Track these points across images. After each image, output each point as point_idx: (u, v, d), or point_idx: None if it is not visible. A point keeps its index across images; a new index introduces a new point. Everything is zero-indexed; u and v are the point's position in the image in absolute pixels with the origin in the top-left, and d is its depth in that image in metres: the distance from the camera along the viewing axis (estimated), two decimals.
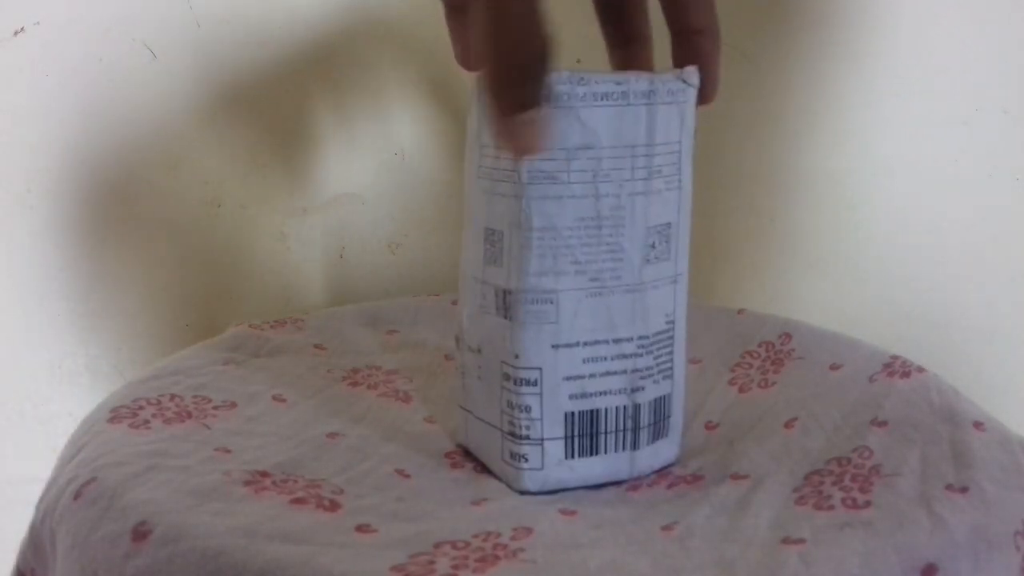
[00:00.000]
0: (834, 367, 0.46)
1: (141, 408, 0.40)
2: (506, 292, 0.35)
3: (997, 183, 0.56)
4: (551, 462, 0.36)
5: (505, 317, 0.36)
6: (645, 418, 0.37)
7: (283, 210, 0.63)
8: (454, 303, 0.54)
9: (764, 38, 0.61)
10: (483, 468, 0.39)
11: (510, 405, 0.36)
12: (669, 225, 0.36)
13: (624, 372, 0.36)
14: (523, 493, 0.36)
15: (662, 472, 0.38)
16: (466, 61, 0.39)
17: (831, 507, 0.33)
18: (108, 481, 0.34)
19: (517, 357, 0.35)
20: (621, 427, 0.37)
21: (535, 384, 0.35)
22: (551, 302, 0.35)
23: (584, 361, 0.36)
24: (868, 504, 0.33)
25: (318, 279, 0.65)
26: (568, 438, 0.36)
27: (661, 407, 0.38)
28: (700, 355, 0.49)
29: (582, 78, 0.34)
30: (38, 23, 0.55)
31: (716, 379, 0.47)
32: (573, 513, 0.35)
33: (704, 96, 0.36)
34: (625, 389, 0.36)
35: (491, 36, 0.30)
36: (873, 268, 0.60)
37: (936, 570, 0.30)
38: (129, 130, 0.58)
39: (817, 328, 0.49)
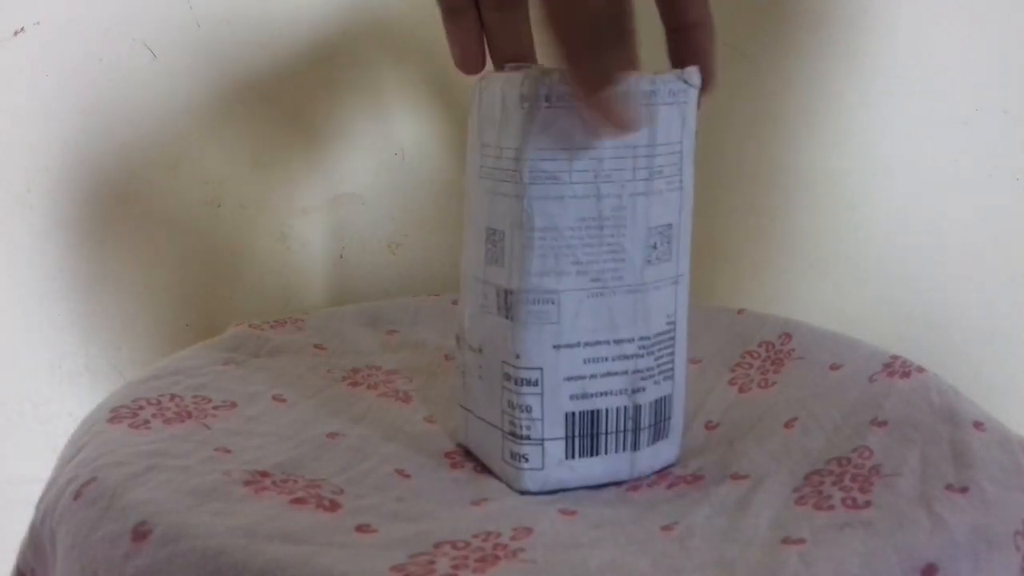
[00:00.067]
0: (834, 367, 0.46)
1: (141, 408, 0.40)
2: (507, 292, 0.35)
3: (997, 183, 0.56)
4: (551, 462, 0.36)
5: (506, 317, 0.36)
6: (646, 419, 0.37)
7: (283, 210, 0.63)
8: (454, 303, 0.54)
9: (764, 38, 0.61)
10: (483, 468, 0.39)
11: (511, 405, 0.36)
12: (670, 226, 0.36)
13: (625, 373, 0.36)
14: (523, 493, 0.36)
15: (662, 472, 0.38)
16: (464, 64, 0.39)
17: (831, 507, 0.33)
18: (108, 481, 0.34)
19: (518, 357, 0.35)
20: (622, 428, 0.37)
21: (536, 384, 0.35)
22: (552, 302, 0.35)
23: (585, 361, 0.36)
24: (868, 504, 0.33)
25: (318, 279, 0.65)
26: (569, 438, 0.36)
27: (662, 408, 0.38)
28: (700, 355, 0.49)
29: None
30: (38, 23, 0.55)
31: (716, 379, 0.47)
32: (573, 513, 0.35)
33: (702, 90, 0.36)
34: (626, 390, 0.36)
35: (555, 8, 0.28)
36: (873, 268, 0.60)
37: (936, 570, 0.30)
38: (129, 130, 0.58)
39: (817, 328, 0.49)
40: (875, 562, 0.30)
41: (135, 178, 0.58)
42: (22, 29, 0.54)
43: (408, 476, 0.37)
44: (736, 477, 0.37)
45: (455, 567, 0.29)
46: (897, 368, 0.44)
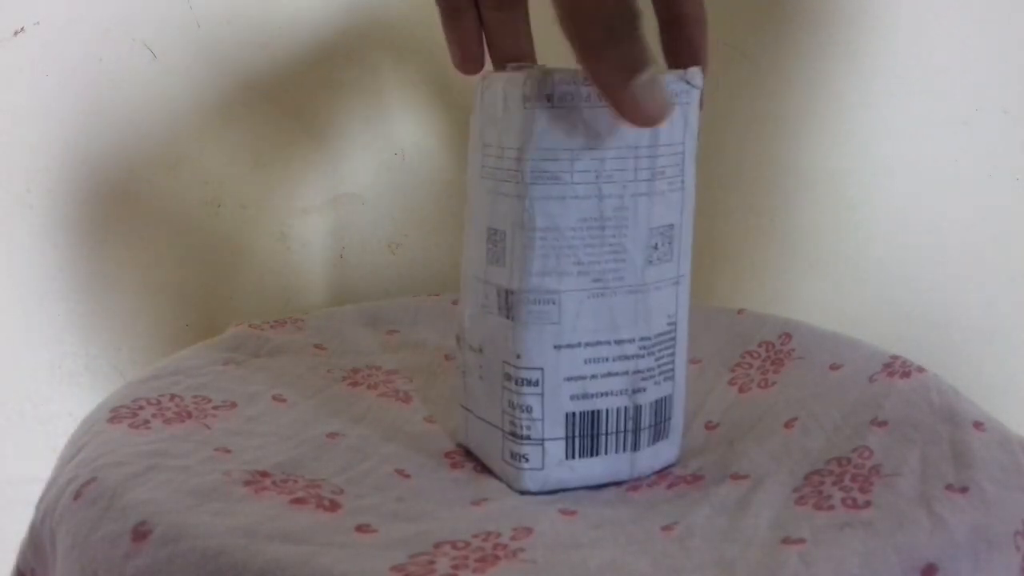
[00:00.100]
0: (834, 367, 0.46)
1: (141, 408, 0.40)
2: (508, 292, 0.35)
3: (997, 183, 0.56)
4: (552, 462, 0.36)
5: (507, 317, 0.36)
6: (646, 419, 0.37)
7: (283, 210, 0.63)
8: (454, 303, 0.54)
9: (764, 38, 0.61)
10: (483, 468, 0.39)
11: (511, 405, 0.36)
12: (672, 226, 0.36)
13: (625, 373, 0.36)
14: (523, 493, 0.36)
15: (662, 472, 0.38)
16: (463, 64, 0.39)
17: (831, 507, 0.33)
18: (108, 481, 0.34)
19: (519, 357, 0.35)
20: (622, 428, 0.37)
21: (536, 384, 0.35)
22: (553, 302, 0.35)
23: (586, 362, 0.36)
24: (868, 504, 0.33)
25: (318, 279, 0.65)
26: (569, 438, 0.36)
27: (662, 408, 0.38)
28: (700, 355, 0.49)
29: (586, 79, 0.34)
30: (38, 23, 0.55)
31: (716, 379, 0.47)
32: (573, 513, 0.35)
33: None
34: (626, 390, 0.36)
35: (574, 9, 0.29)
36: (873, 268, 0.60)
37: (936, 570, 0.30)
38: (129, 130, 0.58)
39: (817, 328, 0.49)
40: (875, 562, 0.30)
41: (135, 178, 0.58)
42: (22, 29, 0.54)
43: (408, 476, 0.37)
44: (736, 477, 0.37)
45: (455, 567, 0.29)
46: (897, 368, 0.44)
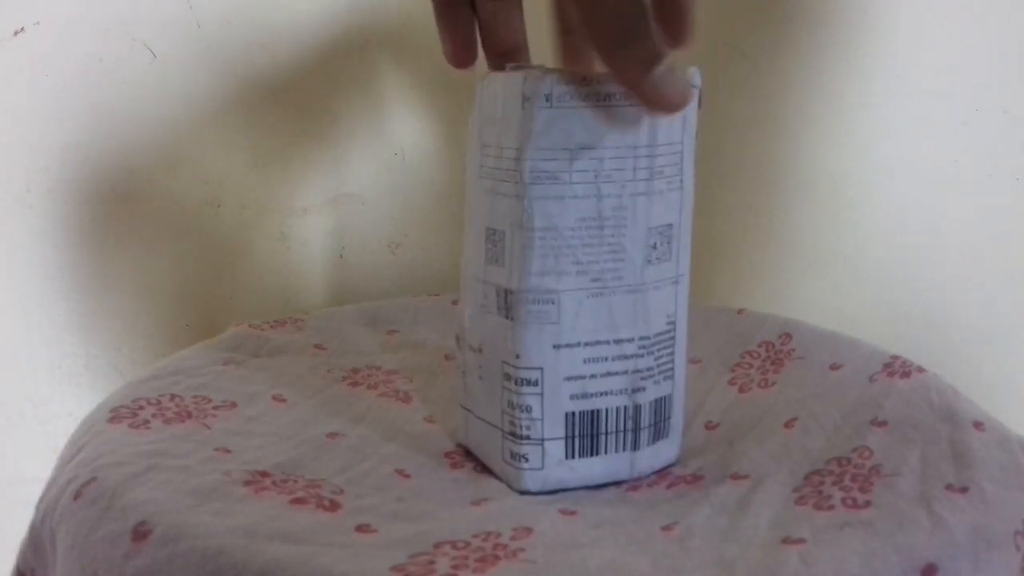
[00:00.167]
0: (834, 367, 0.46)
1: (141, 408, 0.40)
2: (507, 292, 0.35)
3: (997, 183, 0.56)
4: (551, 462, 0.36)
5: (506, 317, 0.36)
6: (646, 419, 0.37)
7: (283, 210, 0.63)
8: (454, 303, 0.54)
9: (764, 38, 0.61)
10: (483, 468, 0.39)
11: (511, 405, 0.36)
12: (671, 226, 0.36)
13: (625, 373, 0.36)
14: (523, 493, 0.36)
15: (662, 472, 0.38)
16: (456, 58, 0.39)
17: (831, 507, 0.33)
18: (108, 481, 0.34)
19: (518, 357, 0.35)
20: (622, 428, 0.37)
21: (536, 384, 0.35)
22: (552, 302, 0.35)
23: (585, 361, 0.36)
24: (868, 504, 0.33)
25: (318, 279, 0.65)
26: (568, 438, 0.36)
27: (662, 408, 0.38)
28: (700, 355, 0.49)
29: (584, 79, 0.34)
30: (38, 23, 0.55)
31: (716, 379, 0.47)
32: (573, 513, 0.35)
33: (675, 36, 0.35)
34: (626, 390, 0.36)
35: (593, 14, 0.31)
36: (873, 268, 0.60)
37: (936, 570, 0.30)
38: (129, 130, 0.58)
39: (817, 328, 0.49)
40: (875, 562, 0.30)
41: (135, 178, 0.58)
42: (22, 29, 0.54)
43: (408, 476, 0.37)
44: (736, 477, 0.37)
45: (455, 567, 0.29)
46: (897, 368, 0.44)
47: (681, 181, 0.36)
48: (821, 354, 0.47)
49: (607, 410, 0.36)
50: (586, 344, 0.35)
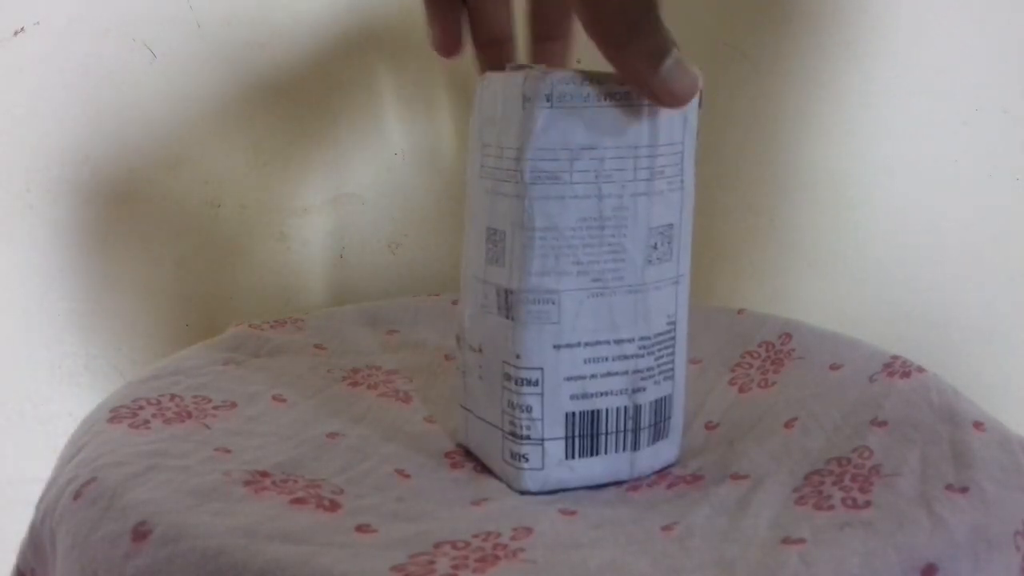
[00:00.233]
0: (834, 367, 0.46)
1: (141, 408, 0.40)
2: (508, 292, 0.35)
3: (997, 183, 0.56)
4: (551, 462, 0.36)
5: (507, 317, 0.36)
6: (646, 419, 0.37)
7: (283, 210, 0.63)
8: (454, 303, 0.54)
9: (764, 38, 0.61)
10: (483, 468, 0.39)
11: (511, 405, 0.36)
12: (671, 226, 0.36)
13: (625, 373, 0.36)
14: (523, 493, 0.36)
15: (662, 472, 0.38)
16: (443, 46, 0.39)
17: (831, 507, 0.33)
18: (108, 481, 0.34)
19: (518, 357, 0.35)
20: (622, 428, 0.37)
21: (536, 384, 0.35)
22: (553, 302, 0.35)
23: (585, 361, 0.36)
24: (868, 504, 0.33)
25: (318, 279, 0.65)
26: (569, 438, 0.36)
27: (662, 408, 0.38)
28: (700, 355, 0.49)
29: (585, 78, 0.34)
30: (38, 23, 0.55)
31: (716, 379, 0.47)
32: (573, 513, 0.35)
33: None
34: (626, 390, 0.36)
35: (597, 12, 0.31)
36: (873, 268, 0.60)
37: (936, 570, 0.30)
38: (129, 130, 0.58)
39: (817, 328, 0.49)
40: (875, 562, 0.30)
41: (135, 178, 0.58)
42: (22, 29, 0.54)
43: (408, 476, 0.37)
44: (736, 477, 0.37)
45: (455, 567, 0.29)
46: (897, 368, 0.44)
47: (682, 181, 0.36)
48: (821, 354, 0.47)
49: (607, 410, 0.36)
50: (586, 344, 0.35)
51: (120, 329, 0.60)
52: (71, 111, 0.56)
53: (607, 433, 0.36)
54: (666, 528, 0.33)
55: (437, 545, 0.31)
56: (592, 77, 0.34)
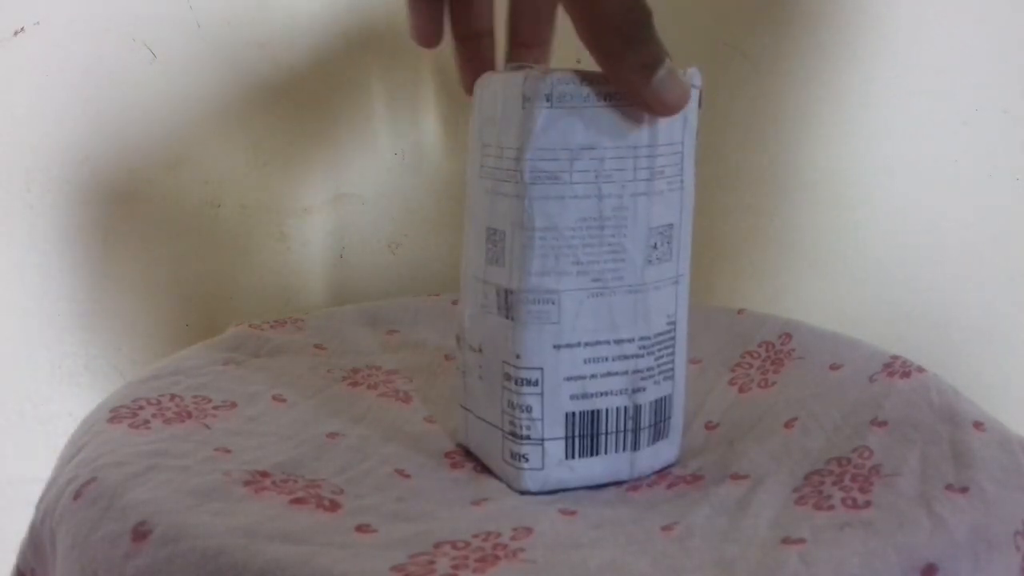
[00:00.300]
0: (834, 367, 0.46)
1: (141, 408, 0.40)
2: (508, 292, 0.35)
3: (997, 183, 0.56)
4: (551, 462, 0.36)
5: (507, 317, 0.36)
6: (646, 419, 0.37)
7: (283, 210, 0.63)
8: (454, 303, 0.54)
9: (764, 38, 0.61)
10: (483, 468, 0.39)
11: (511, 405, 0.36)
12: (671, 226, 0.36)
13: (625, 373, 0.36)
14: (523, 493, 0.36)
15: (662, 472, 0.38)
16: (422, 36, 0.40)
17: (831, 507, 0.33)
18: (108, 481, 0.34)
19: (518, 357, 0.35)
20: (622, 428, 0.37)
21: (536, 384, 0.35)
22: (553, 302, 0.35)
23: (585, 361, 0.36)
24: (868, 504, 0.33)
25: (318, 279, 0.65)
26: (569, 438, 0.36)
27: (662, 408, 0.38)
28: (700, 355, 0.49)
29: (585, 78, 0.34)
30: (38, 23, 0.55)
31: (716, 379, 0.47)
32: (573, 513, 0.35)
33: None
34: (626, 390, 0.36)
35: (592, 22, 0.32)
36: (873, 268, 0.60)
37: (936, 570, 0.30)
38: (129, 130, 0.58)
39: (817, 328, 0.49)
40: (875, 562, 0.30)
41: (135, 178, 0.58)
42: (22, 29, 0.54)
43: (408, 476, 0.37)
44: (736, 477, 0.37)
45: (455, 567, 0.29)
46: (897, 368, 0.44)
47: (682, 181, 0.36)
48: (821, 354, 0.47)
49: (607, 410, 0.36)
50: (586, 344, 0.35)
51: (120, 329, 0.60)
52: (71, 111, 0.56)
53: (607, 433, 0.36)
54: (666, 528, 0.33)
55: (437, 545, 0.31)
56: (592, 77, 0.34)
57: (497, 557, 0.30)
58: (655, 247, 0.36)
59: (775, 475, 0.37)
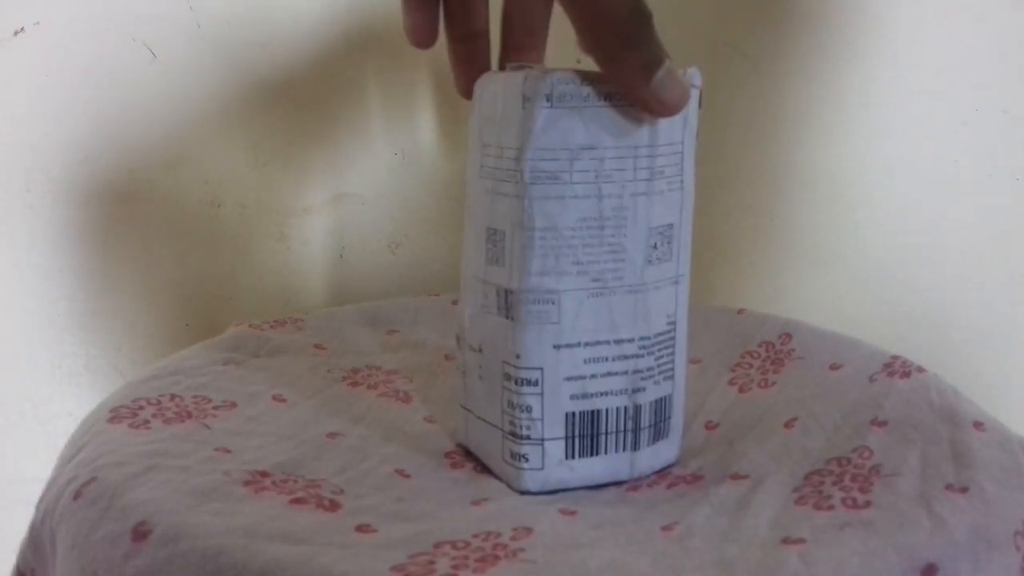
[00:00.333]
0: (834, 367, 0.46)
1: (141, 408, 0.40)
2: (508, 292, 0.35)
3: (997, 183, 0.56)
4: (551, 462, 0.36)
5: (507, 317, 0.36)
6: (646, 419, 0.37)
7: (283, 210, 0.63)
8: (454, 303, 0.54)
9: (764, 38, 0.61)
10: (483, 468, 0.39)
11: (511, 405, 0.36)
12: (671, 226, 0.36)
13: (625, 373, 0.36)
14: (523, 493, 0.36)
15: (662, 472, 0.38)
16: (417, 36, 0.39)
17: (831, 507, 0.33)
18: (108, 481, 0.34)
19: (518, 357, 0.35)
20: (622, 428, 0.37)
21: (536, 384, 0.35)
22: (553, 302, 0.35)
23: (585, 361, 0.36)
24: (868, 504, 0.33)
25: (318, 279, 0.65)
26: (569, 438, 0.36)
27: (662, 408, 0.38)
28: (700, 355, 0.49)
29: (585, 78, 0.34)
30: (38, 23, 0.55)
31: (716, 379, 0.47)
32: (573, 513, 0.35)
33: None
34: (626, 390, 0.36)
35: (593, 23, 0.32)
36: (873, 268, 0.60)
37: (936, 570, 0.30)
38: (129, 130, 0.58)
39: (817, 328, 0.49)
40: (875, 562, 0.30)
41: (135, 178, 0.58)
42: (22, 29, 0.54)
43: (408, 476, 0.37)
44: (736, 477, 0.37)
45: (455, 567, 0.29)
46: (897, 368, 0.44)
47: (682, 181, 0.36)
48: (821, 354, 0.47)
49: (607, 410, 0.36)
50: (586, 344, 0.35)
51: (120, 329, 0.60)
52: (71, 111, 0.56)
53: (607, 433, 0.36)
54: (666, 528, 0.33)
55: (437, 545, 0.31)
56: (592, 77, 0.34)
57: (497, 557, 0.30)
58: (655, 247, 0.36)
59: (775, 475, 0.37)
